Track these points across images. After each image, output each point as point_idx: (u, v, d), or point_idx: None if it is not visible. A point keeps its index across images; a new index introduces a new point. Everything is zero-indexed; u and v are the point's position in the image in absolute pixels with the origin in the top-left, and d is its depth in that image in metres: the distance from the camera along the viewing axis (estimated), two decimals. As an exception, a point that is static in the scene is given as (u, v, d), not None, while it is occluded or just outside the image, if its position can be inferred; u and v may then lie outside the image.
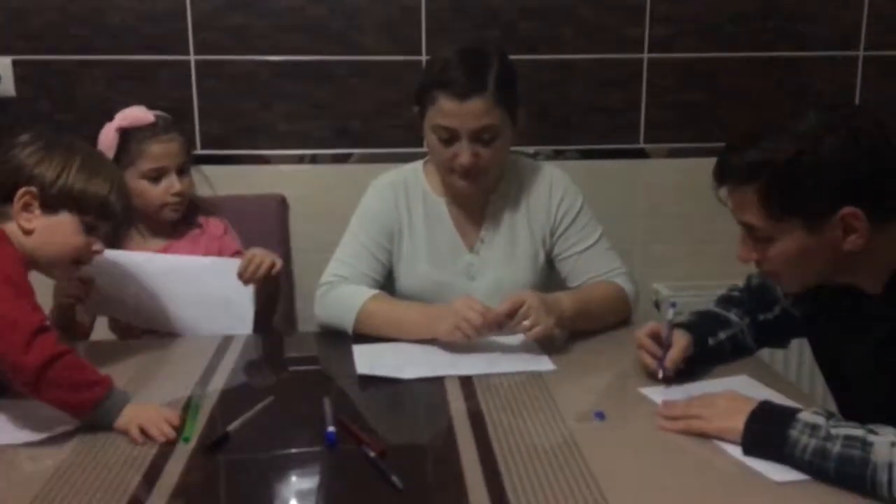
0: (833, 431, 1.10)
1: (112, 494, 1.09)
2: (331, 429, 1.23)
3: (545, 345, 1.56)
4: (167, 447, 1.21)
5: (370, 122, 2.33)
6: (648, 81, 2.36)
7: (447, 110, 1.59)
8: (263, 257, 1.69)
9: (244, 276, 1.68)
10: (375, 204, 1.75)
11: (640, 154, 2.40)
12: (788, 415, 1.15)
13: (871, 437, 1.08)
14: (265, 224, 2.22)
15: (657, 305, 2.39)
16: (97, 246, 1.43)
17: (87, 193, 1.38)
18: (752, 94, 2.39)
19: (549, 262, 1.78)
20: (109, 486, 1.11)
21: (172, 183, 1.77)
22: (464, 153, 1.61)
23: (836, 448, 1.09)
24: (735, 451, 1.17)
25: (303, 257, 2.31)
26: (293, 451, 1.22)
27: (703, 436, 1.21)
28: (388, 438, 1.24)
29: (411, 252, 1.74)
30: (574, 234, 1.74)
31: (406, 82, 2.28)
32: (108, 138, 1.77)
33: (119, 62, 2.24)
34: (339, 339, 1.63)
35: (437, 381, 1.44)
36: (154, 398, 1.35)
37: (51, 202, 1.36)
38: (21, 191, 1.35)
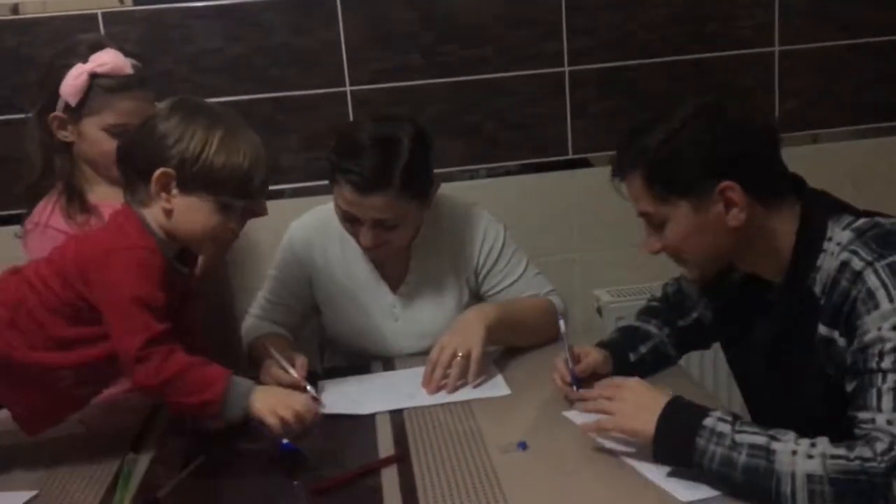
0: (738, 439, 1.14)
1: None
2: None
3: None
4: (97, 517, 1.23)
5: (299, 157, 2.34)
6: (571, 94, 2.40)
7: (348, 199, 1.56)
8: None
9: None
10: (289, 252, 1.78)
11: (570, 165, 2.44)
12: (695, 421, 1.18)
13: (774, 445, 1.12)
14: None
15: (599, 312, 2.44)
16: (233, 225, 1.38)
17: (225, 173, 1.31)
18: (674, 98, 2.42)
19: (477, 299, 1.80)
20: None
21: None
22: (364, 236, 1.60)
23: (741, 458, 1.12)
24: (652, 474, 1.21)
25: (247, 296, 2.32)
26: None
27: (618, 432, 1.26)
28: (315, 476, 1.29)
29: (331, 296, 1.77)
30: (501, 271, 1.77)
31: (330, 113, 2.30)
32: (77, 81, 1.63)
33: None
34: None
35: (367, 416, 1.47)
36: (84, 467, 1.36)
37: (188, 182, 1.31)
38: (158, 172, 1.30)
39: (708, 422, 1.17)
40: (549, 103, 2.39)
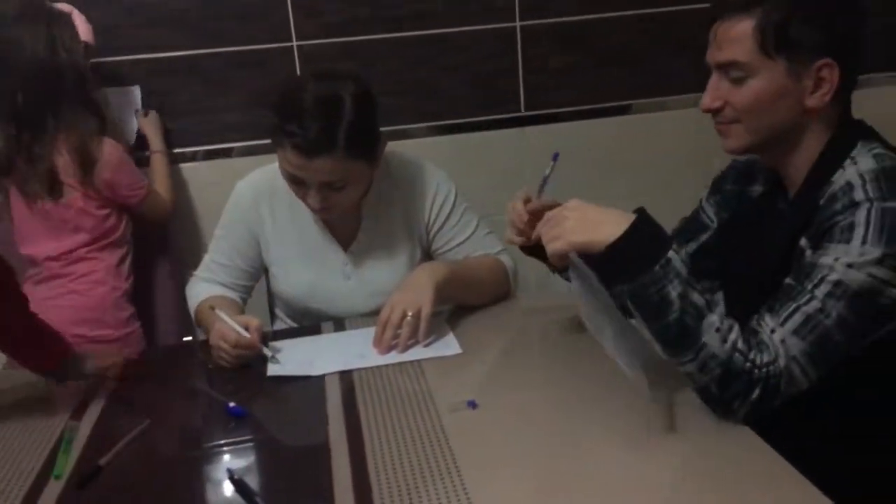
0: (688, 292, 1.13)
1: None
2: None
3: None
4: (38, 485, 1.20)
5: (245, 114, 2.29)
6: (523, 49, 2.37)
7: (293, 162, 1.52)
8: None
9: None
10: (235, 211, 1.74)
11: (523, 122, 2.42)
12: (662, 248, 1.15)
13: (709, 315, 1.14)
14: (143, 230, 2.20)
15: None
16: None
17: None
18: (629, 53, 2.42)
19: (429, 258, 1.78)
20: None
21: None
22: (312, 199, 1.57)
23: (676, 312, 1.14)
24: (596, 437, 1.21)
25: (195, 258, 2.27)
26: (164, 481, 1.22)
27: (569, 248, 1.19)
28: (261, 439, 1.28)
29: (281, 255, 1.73)
30: (451, 229, 1.75)
31: (278, 69, 2.25)
32: (83, 19, 2.02)
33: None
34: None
35: (316, 377, 1.45)
36: (25, 435, 1.33)
37: None
38: None
39: (673, 257, 1.15)
40: (502, 59, 2.36)
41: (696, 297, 1.14)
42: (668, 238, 1.19)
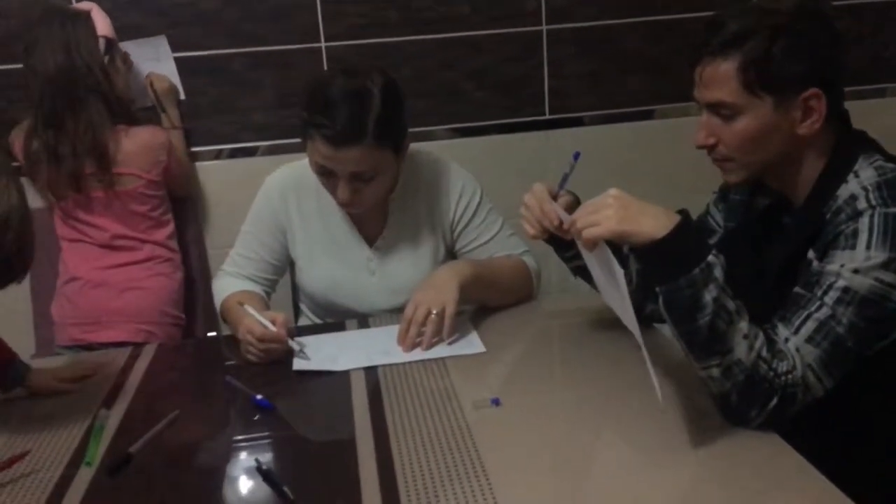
0: (722, 299, 1.13)
1: (12, 526, 1.10)
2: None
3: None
4: (69, 471, 1.22)
5: (272, 114, 2.31)
6: (549, 53, 2.38)
7: (323, 153, 1.55)
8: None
9: None
10: (264, 205, 1.76)
11: (547, 125, 2.43)
12: (703, 252, 1.15)
13: (739, 321, 1.15)
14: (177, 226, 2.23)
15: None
16: None
17: None
18: (653, 58, 2.43)
19: (451, 256, 1.80)
20: (9, 518, 1.12)
21: None
22: (341, 191, 1.59)
23: (708, 317, 1.13)
24: (620, 438, 1.22)
25: (220, 254, 2.30)
26: (193, 470, 1.24)
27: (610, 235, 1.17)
28: (288, 432, 1.30)
29: (307, 249, 1.76)
30: (475, 229, 1.77)
31: (305, 70, 2.27)
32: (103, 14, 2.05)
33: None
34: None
35: (342, 373, 1.47)
36: (56, 423, 1.36)
37: None
38: None
39: (713, 261, 1.14)
40: (527, 62, 2.38)
41: (729, 303, 1.15)
42: (707, 242, 1.20)
